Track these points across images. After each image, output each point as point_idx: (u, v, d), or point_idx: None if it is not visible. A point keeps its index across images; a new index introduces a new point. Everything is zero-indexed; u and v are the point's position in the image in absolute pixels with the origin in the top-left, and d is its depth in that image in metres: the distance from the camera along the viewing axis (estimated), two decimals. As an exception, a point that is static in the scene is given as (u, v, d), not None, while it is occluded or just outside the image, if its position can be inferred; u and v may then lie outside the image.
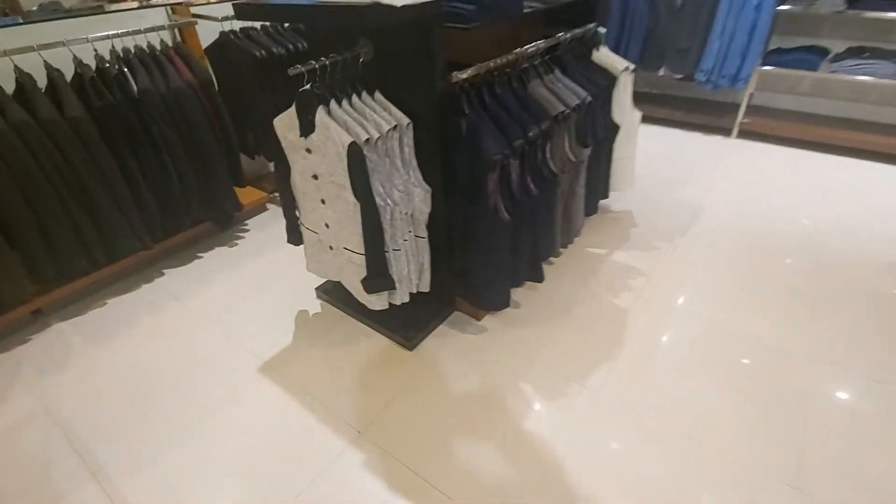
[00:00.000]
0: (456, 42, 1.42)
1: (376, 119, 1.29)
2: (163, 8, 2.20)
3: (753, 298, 1.80)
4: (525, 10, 1.43)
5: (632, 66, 1.96)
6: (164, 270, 2.16)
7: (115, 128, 1.79)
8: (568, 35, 1.79)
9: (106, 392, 1.57)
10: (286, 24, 2.36)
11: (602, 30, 2.06)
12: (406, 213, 1.43)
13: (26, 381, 1.62)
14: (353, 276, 1.49)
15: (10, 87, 1.65)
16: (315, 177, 1.38)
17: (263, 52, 2.19)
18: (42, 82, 1.71)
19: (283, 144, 1.41)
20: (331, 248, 1.52)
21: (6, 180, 1.58)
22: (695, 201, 2.46)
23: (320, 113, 1.24)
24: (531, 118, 1.44)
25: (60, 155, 1.68)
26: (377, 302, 1.49)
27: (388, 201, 1.36)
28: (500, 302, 1.60)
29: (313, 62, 1.23)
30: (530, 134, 1.40)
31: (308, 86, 1.25)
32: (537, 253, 1.63)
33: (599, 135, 1.88)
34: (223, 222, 2.35)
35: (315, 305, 1.89)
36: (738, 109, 3.15)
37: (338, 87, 1.29)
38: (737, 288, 1.86)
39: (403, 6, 1.00)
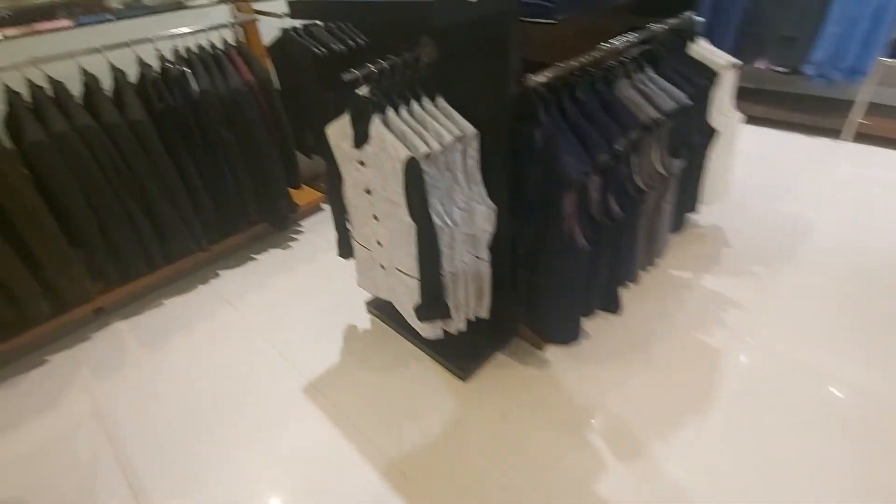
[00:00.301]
0: (530, 38, 1.23)
1: (438, 129, 1.13)
2: (227, 6, 2.17)
3: (874, 346, 1.48)
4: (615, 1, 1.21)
5: (737, 62, 1.67)
6: (219, 272, 2.14)
7: (173, 130, 1.76)
8: (663, 25, 1.53)
9: (155, 401, 1.55)
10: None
11: (699, 18, 1.78)
12: (467, 234, 1.27)
13: (82, 383, 1.64)
14: (405, 299, 1.36)
15: (77, 88, 1.66)
16: (368, 191, 1.24)
17: (323, 50, 2.10)
18: (108, 82, 1.71)
19: (336, 154, 1.29)
20: (382, 267, 1.39)
21: (70, 183, 1.58)
22: (800, 217, 2.11)
23: (376, 122, 1.10)
24: (618, 127, 1.22)
25: (121, 157, 1.67)
26: (430, 330, 1.34)
27: (448, 221, 1.21)
28: (568, 336, 1.41)
29: (369, 65, 1.09)
30: (617, 147, 1.18)
31: (362, 91, 1.12)
32: (615, 280, 1.42)
33: (694, 142, 1.62)
34: (278, 223, 2.31)
35: (365, 320, 1.79)
36: (850, 107, 2.69)
37: (396, 92, 1.15)
38: (853, 331, 1.54)
39: (481, 2, 0.83)
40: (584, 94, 1.24)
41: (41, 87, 1.58)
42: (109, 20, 1.89)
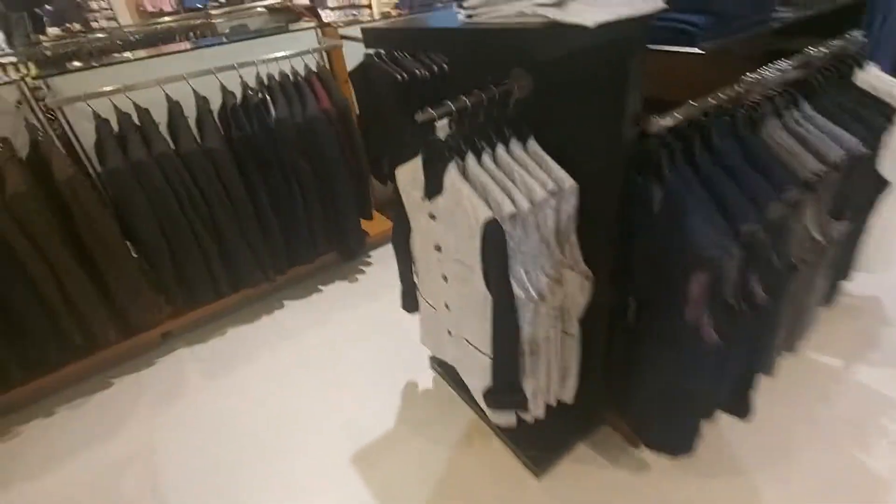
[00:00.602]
0: (651, 68, 0.98)
1: (527, 181, 0.91)
2: (315, 31, 2.12)
3: None
4: (773, 21, 0.92)
5: (925, 95, 1.27)
6: (284, 301, 2.07)
7: (249, 158, 1.71)
8: (824, 49, 1.20)
9: (204, 439, 1.48)
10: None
11: (863, 38, 1.40)
12: (554, 308, 1.03)
13: (142, 413, 1.60)
14: (473, 374, 1.14)
15: (161, 115, 1.66)
16: (438, 248, 1.05)
17: (405, 75, 1.97)
18: (192, 110, 1.70)
19: (405, 200, 1.11)
20: (449, 333, 1.18)
21: (145, 210, 1.57)
22: None
23: (452, 172, 0.91)
24: (768, 184, 0.92)
25: (195, 185, 1.63)
26: (502, 417, 1.11)
27: (532, 292, 0.97)
28: (679, 446, 1.10)
29: (449, 103, 0.90)
30: (769, 214, 0.88)
31: (439, 133, 0.93)
32: (747, 377, 1.09)
33: (860, 199, 1.25)
34: (347, 254, 2.20)
35: (427, 377, 1.59)
36: None
37: (479, 134, 0.95)
38: None
39: (599, 25, 0.60)
40: (721, 140, 0.95)
41: (128, 115, 1.59)
42: (223, 43, 1.94)
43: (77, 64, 1.86)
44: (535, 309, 0.99)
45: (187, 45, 2.37)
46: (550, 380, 1.13)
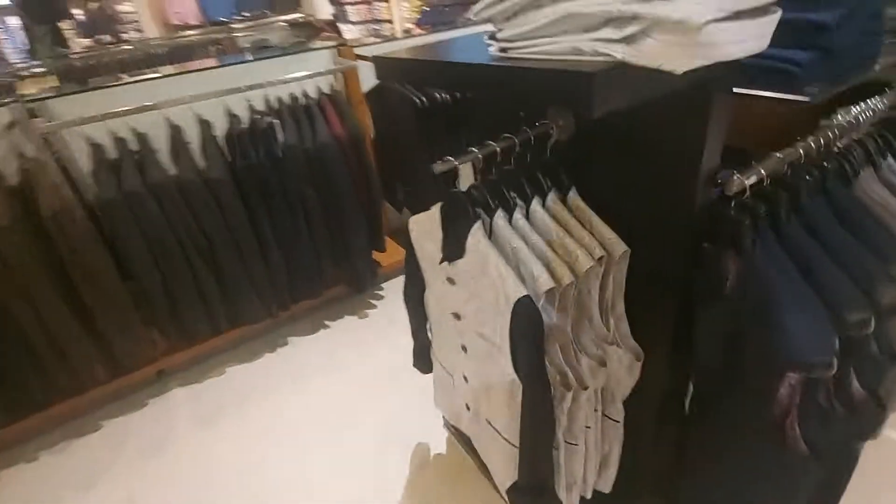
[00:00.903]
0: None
1: (568, 245, 0.75)
2: (328, 51, 2.00)
3: None
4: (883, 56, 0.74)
5: None
6: (289, 338, 1.92)
7: (253, 188, 1.58)
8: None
9: (187, 499, 1.32)
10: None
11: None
12: (595, 390, 0.85)
13: (125, 463, 1.47)
14: (495, 459, 0.97)
15: (163, 139, 1.54)
16: (457, 316, 0.89)
17: (424, 100, 1.83)
18: (194, 134, 1.58)
19: (420, 254, 0.95)
20: (468, 407, 1.01)
21: (138, 242, 1.44)
22: None
23: (476, 233, 0.75)
24: (873, 256, 0.74)
25: (193, 217, 1.51)
26: (526, 515, 0.93)
27: (570, 377, 0.80)
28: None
29: (474, 150, 0.74)
30: (879, 297, 0.70)
31: (458, 184, 0.78)
32: (827, 494, 0.89)
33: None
34: (357, 287, 2.05)
35: (440, 439, 1.42)
36: None
37: (509, 185, 0.79)
38: None
39: (688, 72, 0.44)
40: (810, 201, 0.77)
41: (124, 140, 1.47)
42: (249, 60, 1.84)
43: (80, 84, 1.77)
44: (574, 397, 0.81)
45: (204, 62, 2.29)
46: (587, 471, 0.95)
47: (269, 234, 1.65)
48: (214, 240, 1.56)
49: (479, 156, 0.76)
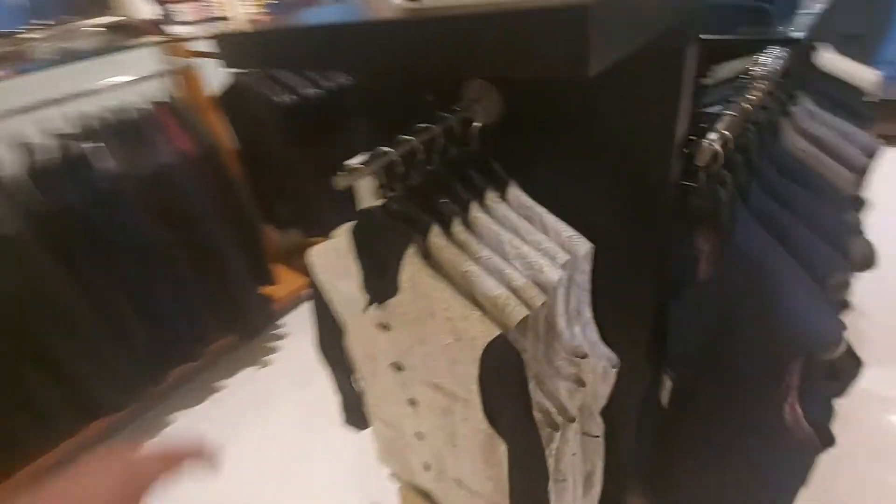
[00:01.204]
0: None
1: (527, 255, 0.58)
2: (158, 51, 1.60)
3: None
4: None
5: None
6: (168, 416, 1.53)
7: (74, 239, 1.18)
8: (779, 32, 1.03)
9: None
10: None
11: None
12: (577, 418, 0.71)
13: None
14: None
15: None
16: (398, 367, 0.68)
17: (290, 97, 1.55)
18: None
19: (331, 296, 0.72)
20: (426, 468, 0.82)
21: None
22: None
23: (412, 262, 0.55)
24: (830, 211, 0.69)
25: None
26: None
27: (553, 412, 0.65)
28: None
29: (388, 149, 0.54)
30: (851, 254, 0.65)
31: (362, 198, 0.58)
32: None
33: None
34: (249, 333, 1.71)
35: (388, 494, 1.20)
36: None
37: (439, 189, 0.60)
38: None
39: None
40: (759, 162, 0.71)
41: None
42: (33, 70, 1.42)
43: None
44: (562, 432, 0.67)
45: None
46: (575, 496, 0.82)
47: (115, 298, 1.26)
48: (32, 328, 1.13)
49: (391, 156, 0.56)
